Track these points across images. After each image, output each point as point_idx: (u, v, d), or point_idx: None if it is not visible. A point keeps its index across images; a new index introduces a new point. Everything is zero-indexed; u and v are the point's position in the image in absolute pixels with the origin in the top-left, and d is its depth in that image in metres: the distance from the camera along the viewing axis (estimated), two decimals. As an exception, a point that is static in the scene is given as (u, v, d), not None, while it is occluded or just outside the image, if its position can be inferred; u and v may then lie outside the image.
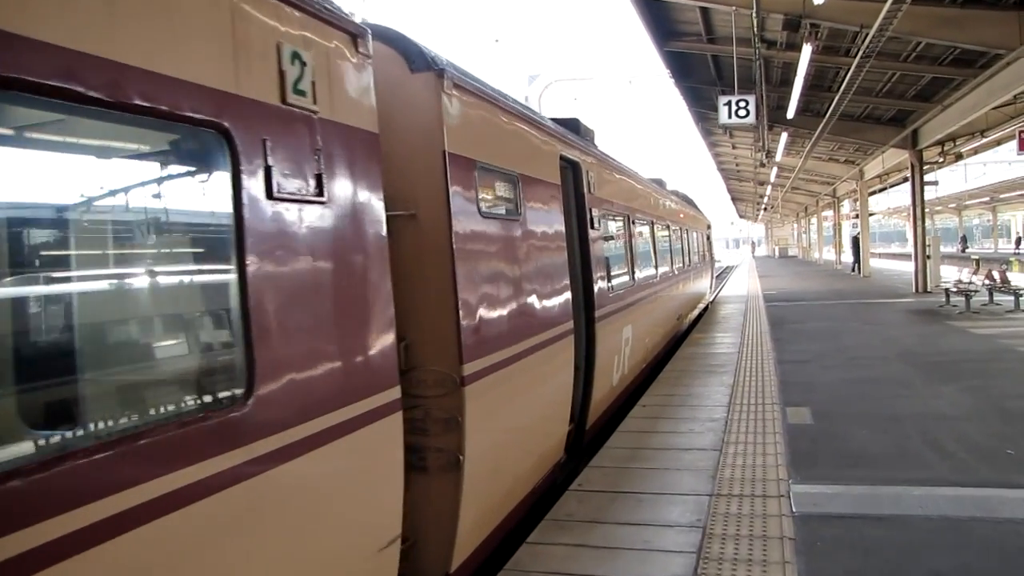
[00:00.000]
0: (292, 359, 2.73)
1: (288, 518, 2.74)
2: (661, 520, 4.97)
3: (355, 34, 3.33)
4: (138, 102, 2.16)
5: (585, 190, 7.21)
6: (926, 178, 22.70)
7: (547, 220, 5.85)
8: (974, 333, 13.20)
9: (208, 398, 2.57)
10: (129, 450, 2.06)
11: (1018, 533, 4.53)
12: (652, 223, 11.76)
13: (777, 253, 77.11)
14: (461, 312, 4.09)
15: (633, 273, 9.58)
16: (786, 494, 5.33)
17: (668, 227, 13.76)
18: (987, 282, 17.33)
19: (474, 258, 4.37)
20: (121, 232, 2.45)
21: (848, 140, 24.20)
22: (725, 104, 14.75)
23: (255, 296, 2.55)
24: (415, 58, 4.12)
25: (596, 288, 7.16)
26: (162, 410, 2.40)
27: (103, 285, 2.41)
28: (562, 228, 6.24)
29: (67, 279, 2.48)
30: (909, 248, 25.86)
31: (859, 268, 32.03)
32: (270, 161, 2.67)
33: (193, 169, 2.67)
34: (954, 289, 17.43)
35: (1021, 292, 16.25)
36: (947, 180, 43.83)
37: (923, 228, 22.05)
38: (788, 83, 16.72)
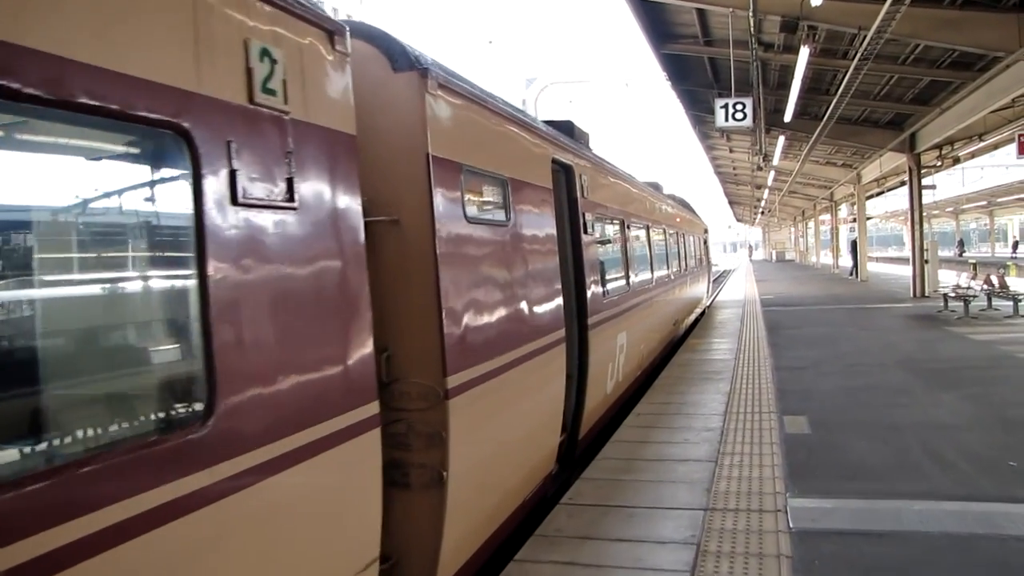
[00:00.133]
0: (257, 376, 2.56)
1: (255, 544, 2.57)
2: (654, 536, 4.80)
3: (331, 31, 3.17)
4: (84, 101, 2.00)
5: (578, 194, 7.05)
6: (924, 182, 22.60)
7: (538, 225, 5.69)
8: (973, 339, 13.07)
9: (163, 417, 2.40)
10: (71, 477, 1.90)
11: None
12: (648, 227, 11.61)
13: (774, 257, 77.08)
14: (445, 322, 3.92)
15: (628, 279, 9.42)
16: (783, 508, 5.17)
17: (664, 231, 13.61)
18: (986, 287, 17.19)
19: (459, 265, 4.21)
20: (66, 241, 2.28)
21: (846, 144, 24.13)
22: (722, 107, 14.65)
23: (217, 308, 2.38)
24: (398, 57, 3.96)
25: (589, 294, 7.00)
26: (109, 431, 2.23)
27: (48, 295, 2.24)
28: (554, 233, 6.08)
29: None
30: (906, 252, 25.77)
31: (857, 272, 31.95)
32: (235, 164, 2.51)
33: (150, 173, 2.50)
34: (952, 294, 17.31)
35: (1020, 297, 16.13)
36: (944, 184, 43.81)
37: (921, 232, 21.95)
38: (785, 86, 16.63)
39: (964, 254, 57.98)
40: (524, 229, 5.33)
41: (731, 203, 66.85)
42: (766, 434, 7.14)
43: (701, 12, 14.59)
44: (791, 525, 4.88)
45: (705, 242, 23.58)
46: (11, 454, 2.01)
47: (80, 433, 2.15)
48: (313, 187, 2.96)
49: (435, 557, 3.93)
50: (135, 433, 2.28)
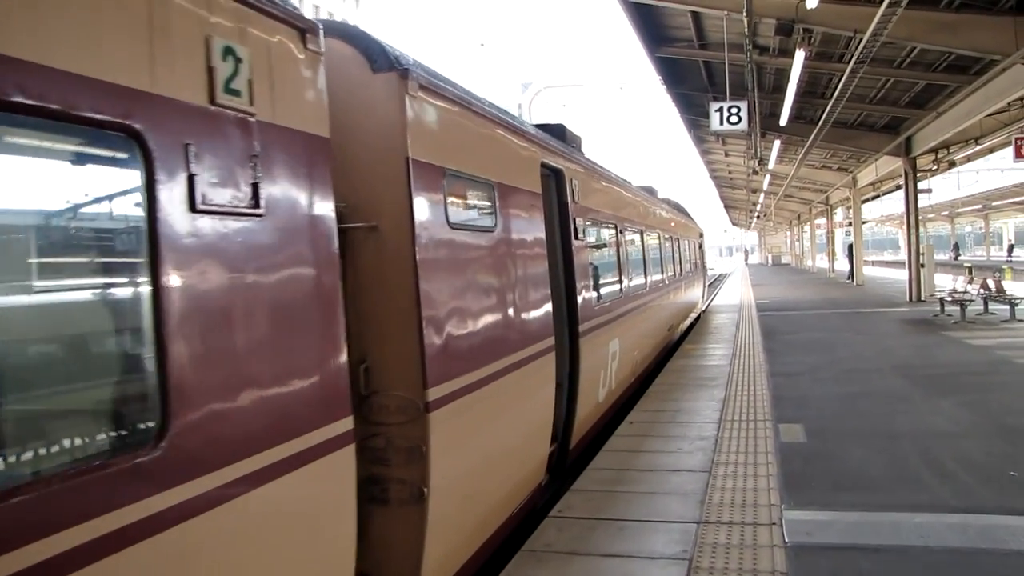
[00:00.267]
0: (216, 393, 2.41)
1: (221, 569, 2.42)
2: (645, 551, 4.65)
3: (303, 29, 3.03)
4: (21, 100, 1.85)
5: (569, 199, 6.91)
6: (919, 185, 22.53)
7: (526, 231, 5.54)
8: (970, 344, 12.95)
9: (112, 437, 2.25)
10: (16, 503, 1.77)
11: (1026, 567, 4.24)
12: (642, 232, 11.47)
13: (770, 261, 77.05)
14: (425, 332, 3.77)
15: (621, 284, 9.28)
16: (778, 521, 5.02)
17: (659, 236, 13.47)
18: (982, 291, 17.10)
19: (441, 272, 4.06)
20: (5, 249, 2.13)
21: (841, 147, 24.04)
22: (717, 111, 14.57)
23: (172, 321, 2.23)
24: (377, 57, 3.82)
25: (580, 301, 6.85)
26: (50, 452, 2.08)
27: None
28: (543, 239, 5.93)
29: None
30: (902, 256, 25.68)
31: (853, 276, 31.88)
32: (194, 169, 2.37)
33: (99, 178, 2.35)
34: (949, 298, 17.21)
35: (1016, 301, 16.03)
36: (940, 187, 43.85)
37: (916, 236, 21.87)
38: (781, 90, 16.54)
39: (959, 258, 57.96)
40: (511, 235, 5.18)
41: (727, 207, 66.79)
42: (761, 443, 6.99)
43: (696, 15, 14.48)
44: (786, 539, 4.73)
45: (700, 246, 23.47)
46: None
47: (12, 458, 2.00)
48: (281, 192, 2.82)
49: (416, 574, 3.78)
50: (79, 456, 2.12)
